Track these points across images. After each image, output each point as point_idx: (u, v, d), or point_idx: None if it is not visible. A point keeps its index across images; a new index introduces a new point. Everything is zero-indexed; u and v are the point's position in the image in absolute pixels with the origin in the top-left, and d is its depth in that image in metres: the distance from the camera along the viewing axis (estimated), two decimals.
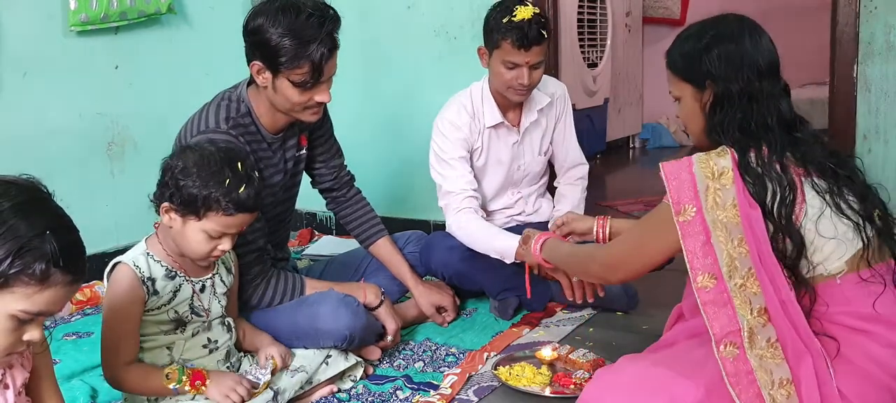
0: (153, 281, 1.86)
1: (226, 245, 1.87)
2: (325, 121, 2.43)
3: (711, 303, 1.48)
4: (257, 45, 2.06)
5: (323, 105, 2.18)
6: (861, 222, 1.51)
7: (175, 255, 1.90)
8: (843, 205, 1.51)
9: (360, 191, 2.61)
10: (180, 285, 1.90)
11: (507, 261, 2.42)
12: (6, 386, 1.39)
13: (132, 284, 1.83)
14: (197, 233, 1.83)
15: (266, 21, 2.04)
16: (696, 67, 1.61)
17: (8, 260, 1.22)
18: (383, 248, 2.54)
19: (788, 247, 1.49)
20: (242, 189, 1.81)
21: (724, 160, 1.51)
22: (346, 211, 2.57)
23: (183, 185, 1.79)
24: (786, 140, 1.54)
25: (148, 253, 1.88)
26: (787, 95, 1.61)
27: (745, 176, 1.50)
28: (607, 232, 2.10)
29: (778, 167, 1.51)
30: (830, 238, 1.50)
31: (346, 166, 2.58)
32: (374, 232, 2.55)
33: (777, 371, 1.45)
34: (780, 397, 1.44)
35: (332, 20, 2.07)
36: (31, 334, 1.30)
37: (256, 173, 1.89)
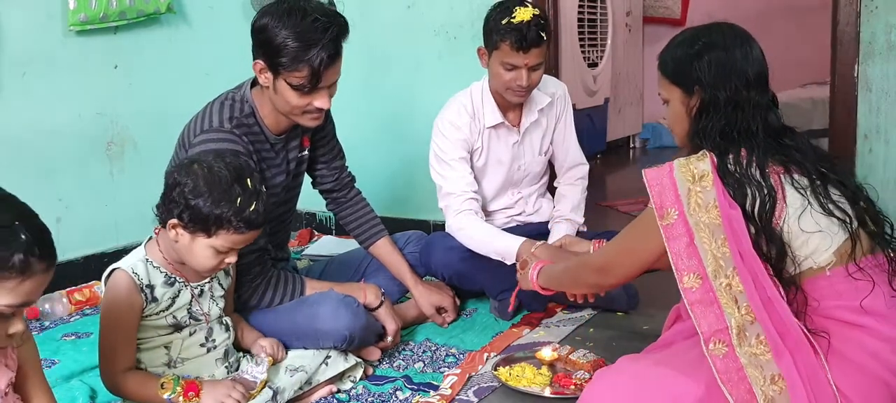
0: (152, 288, 1.86)
1: (232, 258, 1.87)
2: (327, 122, 2.43)
3: (698, 303, 1.50)
4: (262, 43, 2.06)
5: (323, 111, 2.17)
6: (847, 220, 1.52)
7: (175, 262, 1.90)
8: (828, 204, 1.52)
9: (361, 192, 2.60)
10: (179, 291, 1.90)
11: (508, 262, 2.42)
12: None
13: (129, 291, 1.83)
14: (205, 249, 1.83)
15: (272, 20, 2.03)
16: (685, 72, 1.63)
17: None
18: (383, 248, 2.54)
19: (772, 252, 1.50)
20: (253, 207, 1.81)
21: (703, 164, 1.54)
22: (346, 212, 2.57)
23: (194, 205, 1.78)
24: (770, 146, 1.56)
25: (147, 260, 1.88)
26: (776, 106, 1.64)
27: (724, 178, 1.52)
28: None
29: (758, 172, 1.52)
30: (815, 232, 1.51)
31: (347, 167, 2.57)
32: (374, 233, 2.55)
33: (768, 367, 1.45)
34: (773, 392, 1.44)
35: (338, 26, 2.05)
36: (16, 326, 1.31)
37: (263, 186, 1.89)
